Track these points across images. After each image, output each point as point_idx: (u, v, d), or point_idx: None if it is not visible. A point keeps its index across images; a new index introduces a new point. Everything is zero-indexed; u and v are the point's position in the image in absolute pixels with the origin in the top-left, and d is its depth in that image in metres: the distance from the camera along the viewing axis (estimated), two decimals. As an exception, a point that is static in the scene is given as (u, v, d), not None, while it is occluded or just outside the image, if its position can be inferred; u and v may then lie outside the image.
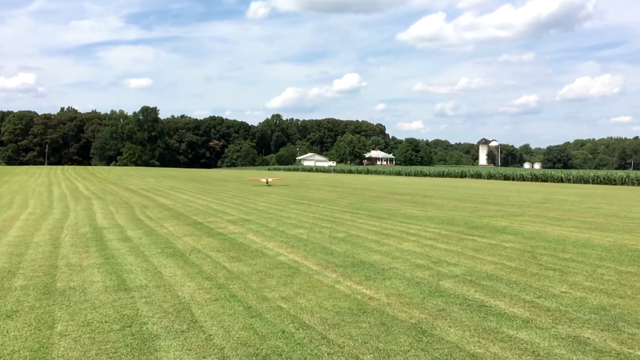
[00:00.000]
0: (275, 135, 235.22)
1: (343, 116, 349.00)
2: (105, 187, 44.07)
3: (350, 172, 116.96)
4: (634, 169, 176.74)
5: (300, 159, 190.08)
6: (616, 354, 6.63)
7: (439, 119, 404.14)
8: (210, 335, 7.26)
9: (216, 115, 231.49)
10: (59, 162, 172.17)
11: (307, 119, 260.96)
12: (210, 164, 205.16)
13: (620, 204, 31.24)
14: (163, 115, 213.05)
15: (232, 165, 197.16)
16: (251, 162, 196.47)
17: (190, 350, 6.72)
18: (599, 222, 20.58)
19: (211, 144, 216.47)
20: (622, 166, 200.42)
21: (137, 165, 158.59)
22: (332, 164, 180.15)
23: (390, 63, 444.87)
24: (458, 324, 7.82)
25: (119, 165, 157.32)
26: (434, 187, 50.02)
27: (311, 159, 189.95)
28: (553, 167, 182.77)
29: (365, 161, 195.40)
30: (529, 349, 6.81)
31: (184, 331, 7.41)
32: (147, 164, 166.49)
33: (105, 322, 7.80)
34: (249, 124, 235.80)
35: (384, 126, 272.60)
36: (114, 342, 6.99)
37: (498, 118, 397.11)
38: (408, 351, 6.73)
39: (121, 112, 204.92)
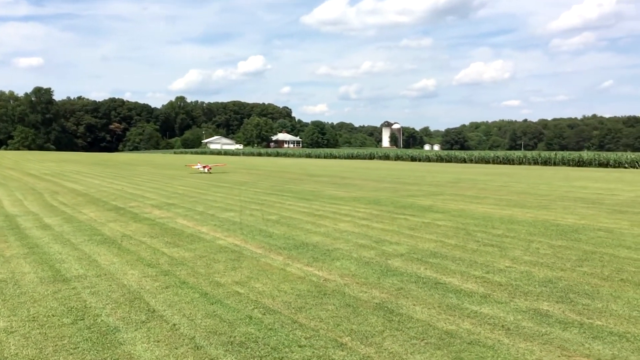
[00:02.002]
0: (180, 118, 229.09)
1: (249, 99, 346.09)
2: (4, 172, 41.12)
3: (260, 154, 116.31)
4: (523, 149, 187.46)
5: (206, 142, 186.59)
6: (579, 325, 6.88)
7: (343, 102, 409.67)
8: (174, 324, 6.85)
9: (116, 97, 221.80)
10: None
11: (212, 102, 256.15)
12: (111, 147, 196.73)
13: (526, 182, 33.00)
14: (58, 96, 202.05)
15: (135, 149, 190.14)
16: (155, 146, 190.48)
17: (159, 341, 6.29)
18: (514, 199, 21.57)
19: (112, 126, 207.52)
20: (513, 147, 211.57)
21: (30, 149, 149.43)
22: (239, 147, 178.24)
23: (295, 46, 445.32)
24: (421, 302, 7.85)
25: (10, 149, 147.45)
26: (348, 169, 50.62)
27: (218, 142, 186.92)
28: (451, 149, 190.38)
29: (272, 144, 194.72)
30: (497, 323, 6.94)
31: (144, 322, 6.95)
32: (41, 147, 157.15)
33: (53, 315, 7.18)
34: (152, 107, 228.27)
35: (290, 109, 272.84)
36: (70, 337, 6.43)
37: (399, 101, 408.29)
38: (383, 331, 6.66)
39: (11, 92, 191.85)
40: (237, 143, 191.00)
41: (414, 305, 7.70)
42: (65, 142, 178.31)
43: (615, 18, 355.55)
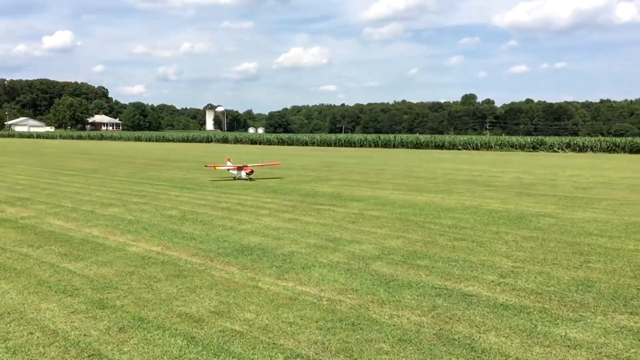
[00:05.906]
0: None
1: (58, 77, 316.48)
2: None
3: (81, 137, 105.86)
4: (344, 132, 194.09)
5: (10, 124, 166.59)
6: None
7: (163, 84, 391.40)
8: (198, 408, 4.28)
9: None
10: None
11: (15, 79, 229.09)
12: None
13: (395, 164, 32.84)
14: None
15: None
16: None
17: None
18: (407, 183, 20.72)
19: None
20: (333, 130, 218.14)
21: None
22: (50, 129, 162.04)
23: (108, 22, 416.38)
24: (484, 327, 5.98)
25: None
26: (200, 153, 46.99)
27: (24, 124, 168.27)
28: (275, 132, 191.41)
29: (88, 126, 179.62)
30: (619, 356, 5.31)
31: (142, 407, 4.29)
32: None
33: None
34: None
35: (107, 89, 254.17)
36: None
37: (221, 84, 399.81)
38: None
39: None
40: (47, 125, 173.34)
41: (482, 334, 5.83)
42: None
43: (419, 10, 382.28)
